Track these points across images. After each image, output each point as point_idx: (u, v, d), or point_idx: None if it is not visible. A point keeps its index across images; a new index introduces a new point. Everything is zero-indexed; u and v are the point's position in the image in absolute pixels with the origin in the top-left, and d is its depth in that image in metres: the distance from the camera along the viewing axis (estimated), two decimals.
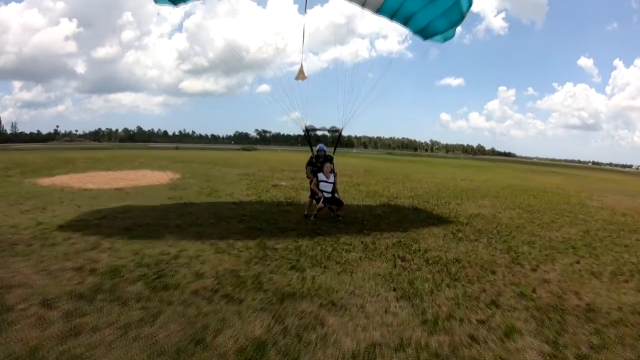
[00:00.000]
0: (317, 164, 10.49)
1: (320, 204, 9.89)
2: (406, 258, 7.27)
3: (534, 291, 5.94)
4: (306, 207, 10.53)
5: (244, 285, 5.58)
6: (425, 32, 9.91)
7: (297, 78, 10.57)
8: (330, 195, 10.14)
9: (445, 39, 10.20)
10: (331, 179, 10.14)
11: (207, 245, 7.49)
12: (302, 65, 10.51)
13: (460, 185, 21.41)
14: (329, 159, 10.55)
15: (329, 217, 10.35)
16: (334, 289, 5.57)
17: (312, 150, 10.97)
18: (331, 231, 8.93)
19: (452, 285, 5.99)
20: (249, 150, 72.29)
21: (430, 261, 7.15)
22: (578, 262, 7.63)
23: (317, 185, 10.04)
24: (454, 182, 23.25)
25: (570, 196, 18.92)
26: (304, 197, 13.44)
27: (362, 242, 8.14)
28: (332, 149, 11.00)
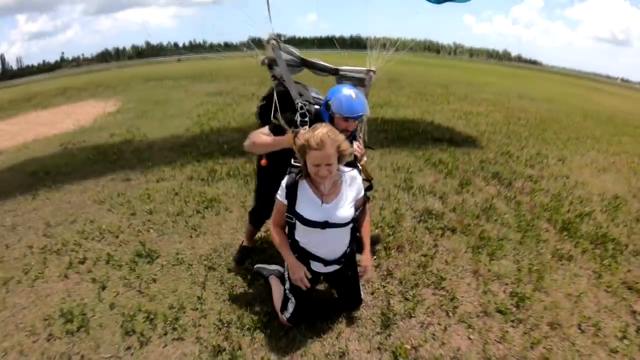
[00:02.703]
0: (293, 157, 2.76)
1: (284, 320, 2.89)
2: None
3: None
4: (246, 236, 3.85)
5: None
6: None
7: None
8: (337, 267, 2.80)
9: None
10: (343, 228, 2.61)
11: None
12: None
13: (527, 109, 14.33)
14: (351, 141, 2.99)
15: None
16: None
17: (275, 105, 3.12)
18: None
19: None
20: (254, 56, 63.75)
21: None
22: None
23: (288, 242, 2.72)
24: (515, 102, 16.01)
25: None
26: None
27: None
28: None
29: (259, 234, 3.97)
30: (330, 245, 2.65)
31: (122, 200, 5.26)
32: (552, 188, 5.98)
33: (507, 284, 3.59)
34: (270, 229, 2.76)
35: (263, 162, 2.99)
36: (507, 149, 8.01)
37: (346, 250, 2.72)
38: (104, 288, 3.44)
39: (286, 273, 2.81)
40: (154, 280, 3.52)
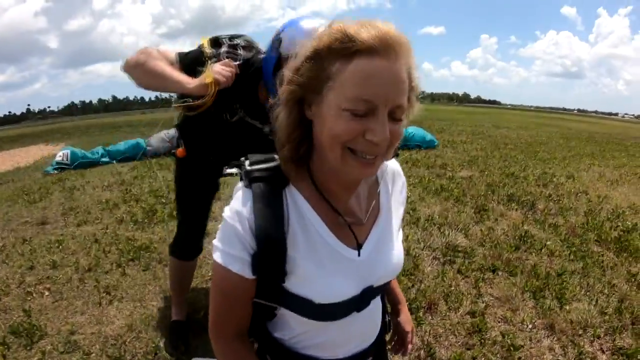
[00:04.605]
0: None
1: None
2: None
3: None
4: (173, 300, 2.44)
5: None
6: None
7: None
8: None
9: None
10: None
11: None
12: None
13: (509, 136, 14.60)
14: None
15: None
16: None
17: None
18: None
19: None
20: None
21: None
22: None
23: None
24: (494, 131, 16.26)
25: None
26: None
27: None
28: None
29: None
30: (362, 329, 0.96)
31: (24, 249, 3.78)
32: (579, 206, 5.20)
33: (599, 337, 2.39)
34: (212, 340, 0.87)
35: (179, 151, 1.79)
36: (509, 171, 7.19)
37: (380, 326, 1.07)
38: None
39: None
40: None
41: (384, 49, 0.64)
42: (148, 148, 8.35)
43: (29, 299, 2.86)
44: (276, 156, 0.80)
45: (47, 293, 2.92)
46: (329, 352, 0.91)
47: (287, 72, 0.73)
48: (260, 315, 0.86)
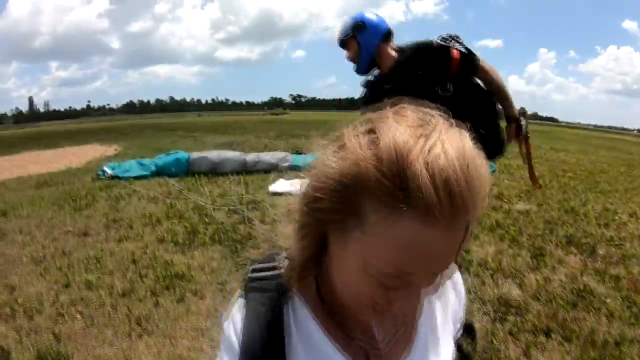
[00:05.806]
0: None
1: None
2: None
3: None
4: None
5: None
6: None
7: None
8: None
9: None
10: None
11: None
12: None
13: (568, 161, 13.92)
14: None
15: None
16: None
17: None
18: None
19: None
20: (277, 114, 64.60)
21: None
22: None
23: None
24: (552, 155, 15.38)
25: None
26: None
27: None
28: None
29: None
30: None
31: (62, 263, 3.87)
32: None
33: None
34: None
35: None
36: (569, 205, 6.60)
37: None
38: None
39: None
40: None
41: (447, 209, 0.41)
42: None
43: (60, 321, 2.87)
44: (278, 261, 0.64)
45: (78, 317, 2.91)
46: None
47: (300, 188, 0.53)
48: None
